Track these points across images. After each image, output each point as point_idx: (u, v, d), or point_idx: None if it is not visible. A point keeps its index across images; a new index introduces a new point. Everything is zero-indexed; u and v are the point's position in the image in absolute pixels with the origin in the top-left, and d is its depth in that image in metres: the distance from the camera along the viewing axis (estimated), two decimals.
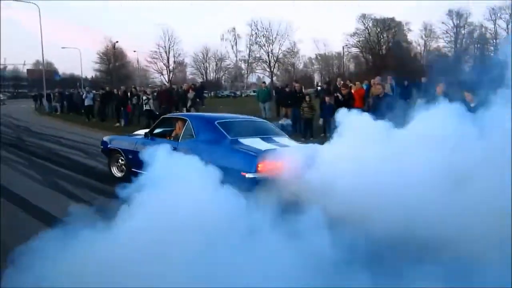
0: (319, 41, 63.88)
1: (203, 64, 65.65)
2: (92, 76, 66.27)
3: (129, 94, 17.62)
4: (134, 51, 63.73)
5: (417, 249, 3.77)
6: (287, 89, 16.04)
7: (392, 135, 4.51)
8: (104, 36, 61.29)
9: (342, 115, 4.86)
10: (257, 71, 64.63)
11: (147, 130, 7.87)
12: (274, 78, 58.01)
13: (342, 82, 14.75)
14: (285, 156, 5.25)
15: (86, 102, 19.24)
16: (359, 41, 59.70)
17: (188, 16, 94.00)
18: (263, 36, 61.61)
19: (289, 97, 14.07)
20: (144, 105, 15.44)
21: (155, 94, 16.90)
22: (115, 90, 18.99)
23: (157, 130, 7.61)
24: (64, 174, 7.88)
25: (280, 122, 10.50)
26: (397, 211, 3.94)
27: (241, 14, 75.89)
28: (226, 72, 67.27)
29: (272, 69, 60.94)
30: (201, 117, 7.67)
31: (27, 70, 77.96)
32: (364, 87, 14.22)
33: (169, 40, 62.63)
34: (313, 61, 67.52)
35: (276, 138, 6.71)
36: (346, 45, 60.30)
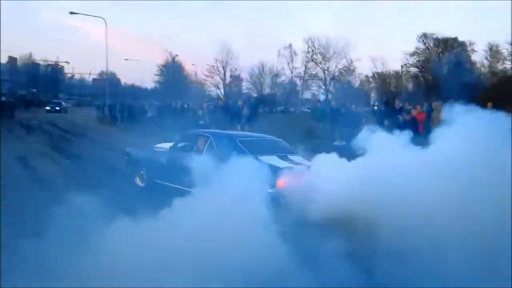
0: (377, 59, 62.80)
1: (259, 79, 66.37)
2: (152, 88, 68.71)
3: (185, 106, 18.01)
4: (193, 65, 65.63)
5: None
6: (343, 110, 15.83)
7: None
8: (165, 49, 63.37)
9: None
10: (312, 88, 64.48)
11: (170, 144, 8.27)
12: (330, 96, 57.48)
13: (400, 104, 14.33)
14: (300, 174, 5.70)
15: (149, 114, 19.43)
16: (418, 61, 58.05)
17: (247, 32, 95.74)
18: (320, 54, 61.44)
19: (346, 118, 13.86)
20: (199, 120, 15.73)
21: (210, 107, 17.17)
22: (173, 103, 19.43)
23: (180, 145, 7.90)
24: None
25: (335, 143, 10.32)
26: None
27: (298, 31, 76.22)
28: (281, 88, 67.56)
29: (327, 87, 60.50)
30: (223, 135, 8.12)
31: (92, 79, 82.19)
32: (425, 109, 13.74)
33: (226, 55, 63.98)
34: (370, 79, 66.40)
35: (291, 157, 7.14)
36: (405, 64, 58.88)
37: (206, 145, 7.31)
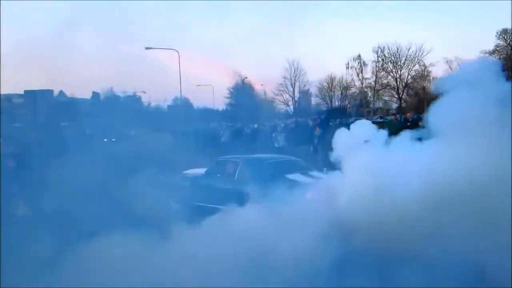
0: (453, 61, 59.63)
1: (328, 93, 65.72)
2: (223, 109, 70.48)
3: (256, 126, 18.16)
4: (262, 85, 66.60)
5: None
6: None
7: None
8: (235, 72, 64.98)
9: None
10: (384, 97, 62.60)
11: (199, 170, 9.38)
12: (403, 104, 55.41)
13: None
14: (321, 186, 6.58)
15: (223, 139, 19.43)
16: (500, 59, 54.41)
17: (314, 47, 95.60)
18: (390, 62, 59.67)
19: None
20: (274, 143, 15.66)
21: (283, 127, 17.18)
22: (245, 128, 19.65)
23: (213, 170, 8.99)
24: None
25: None
26: None
27: (367, 40, 74.82)
28: (352, 99, 66.36)
29: (400, 95, 58.43)
30: (253, 159, 9.17)
31: (168, 106, 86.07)
32: None
33: (294, 72, 64.20)
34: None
35: (311, 173, 8.14)
36: None
37: (238, 169, 8.40)
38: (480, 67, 5.49)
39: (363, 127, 6.10)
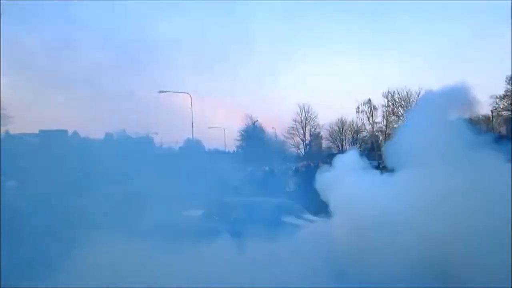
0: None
1: (339, 136, 65.88)
2: (234, 151, 70.69)
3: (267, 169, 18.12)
4: (272, 128, 67.04)
5: None
6: None
7: None
8: (245, 115, 65.74)
9: None
10: None
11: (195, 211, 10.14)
12: None
13: None
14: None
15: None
16: (511, 104, 54.34)
17: (325, 92, 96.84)
18: (401, 107, 60.00)
19: None
20: (286, 187, 15.63)
21: (294, 170, 17.11)
22: (256, 171, 19.67)
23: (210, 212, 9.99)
24: None
25: None
26: None
27: (377, 85, 75.79)
28: (363, 143, 66.37)
29: None
30: (247, 202, 10.15)
31: (179, 147, 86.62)
32: None
33: (305, 115, 64.74)
34: None
35: (304, 215, 9.47)
36: (496, 109, 55.36)
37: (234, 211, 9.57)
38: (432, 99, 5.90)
39: (343, 160, 7.22)
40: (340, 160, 7.11)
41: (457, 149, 5.17)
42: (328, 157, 32.87)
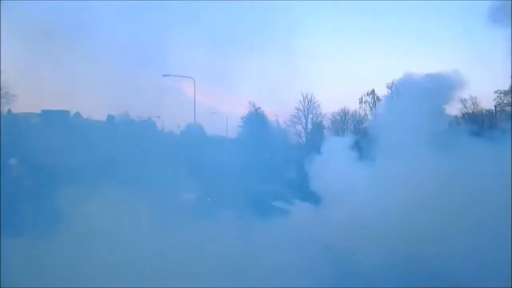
0: (467, 99, 59.42)
1: (341, 126, 65.88)
2: (235, 138, 70.68)
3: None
4: (275, 116, 66.92)
5: None
6: None
7: None
8: (248, 102, 65.63)
9: None
10: None
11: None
12: None
13: None
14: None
15: None
16: None
17: (328, 80, 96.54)
18: None
19: None
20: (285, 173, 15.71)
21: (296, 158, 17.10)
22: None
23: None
24: None
25: None
26: None
27: (380, 75, 75.44)
28: (365, 133, 66.40)
29: None
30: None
31: (180, 132, 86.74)
32: None
33: (308, 104, 64.61)
34: (459, 120, 62.70)
35: (293, 201, 9.98)
36: (499, 104, 55.17)
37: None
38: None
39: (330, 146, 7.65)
40: (327, 147, 7.34)
41: (436, 133, 5.34)
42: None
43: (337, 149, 7.08)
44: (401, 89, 6.35)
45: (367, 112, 66.64)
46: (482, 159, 5.10)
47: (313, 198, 7.39)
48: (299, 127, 66.40)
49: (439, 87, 5.75)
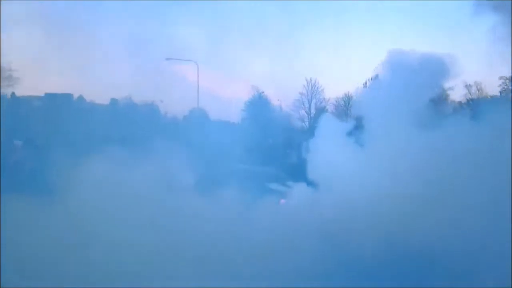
0: (472, 85, 58.94)
1: (345, 111, 65.60)
2: (239, 123, 70.62)
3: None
4: (278, 100, 66.65)
5: None
6: None
7: None
8: (252, 86, 65.26)
9: None
10: None
11: None
12: None
13: None
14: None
15: None
16: None
17: (332, 64, 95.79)
18: None
19: None
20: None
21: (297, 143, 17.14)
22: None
23: None
24: None
25: None
26: None
27: (382, 59, 74.23)
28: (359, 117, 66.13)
29: None
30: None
31: (183, 117, 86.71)
32: None
33: (311, 88, 64.22)
34: (463, 106, 62.26)
35: (287, 183, 10.29)
36: (504, 90, 54.68)
37: None
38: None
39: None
40: (320, 130, 7.46)
41: (423, 111, 5.40)
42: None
43: (332, 133, 7.13)
44: (388, 67, 6.33)
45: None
46: (475, 143, 5.18)
47: (307, 181, 7.62)
48: (303, 112, 66.10)
49: (426, 65, 5.76)
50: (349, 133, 7.02)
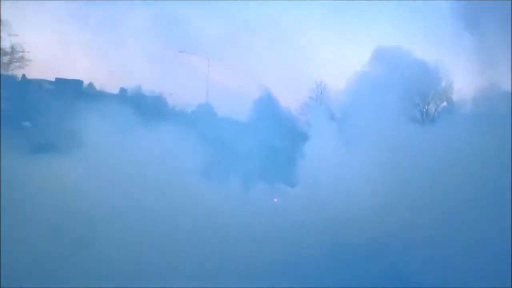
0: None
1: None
2: (245, 121, 70.52)
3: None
4: (287, 103, 66.50)
5: None
6: None
7: None
8: (261, 85, 65.20)
9: None
10: None
11: None
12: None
13: None
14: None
15: None
16: None
17: (341, 69, 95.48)
18: (418, 95, 59.23)
19: None
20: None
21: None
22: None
23: None
24: None
25: None
26: None
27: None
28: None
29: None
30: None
31: (192, 111, 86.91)
32: None
33: (321, 93, 64.08)
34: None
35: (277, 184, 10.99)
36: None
37: None
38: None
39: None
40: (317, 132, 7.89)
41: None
42: None
43: (325, 134, 7.52)
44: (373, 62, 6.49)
45: None
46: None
47: (293, 181, 8.44)
48: (310, 116, 66.11)
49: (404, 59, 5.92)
50: (340, 131, 7.55)
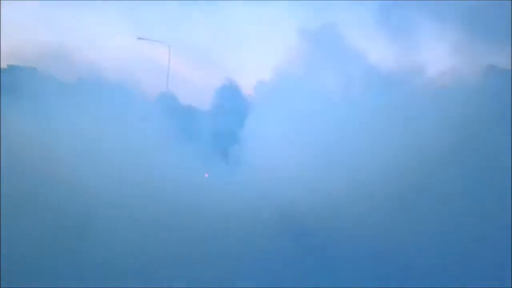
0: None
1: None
2: (208, 110, 69.90)
3: None
4: (250, 92, 66.16)
5: None
6: None
7: None
8: (224, 73, 64.62)
9: None
10: None
11: None
12: None
13: None
14: None
15: None
16: None
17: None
18: None
19: None
20: None
21: None
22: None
23: None
24: None
25: None
26: None
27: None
28: None
29: None
30: None
31: (154, 99, 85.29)
32: None
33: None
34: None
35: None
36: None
37: None
38: None
39: None
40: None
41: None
42: None
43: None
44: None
45: None
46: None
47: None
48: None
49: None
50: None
